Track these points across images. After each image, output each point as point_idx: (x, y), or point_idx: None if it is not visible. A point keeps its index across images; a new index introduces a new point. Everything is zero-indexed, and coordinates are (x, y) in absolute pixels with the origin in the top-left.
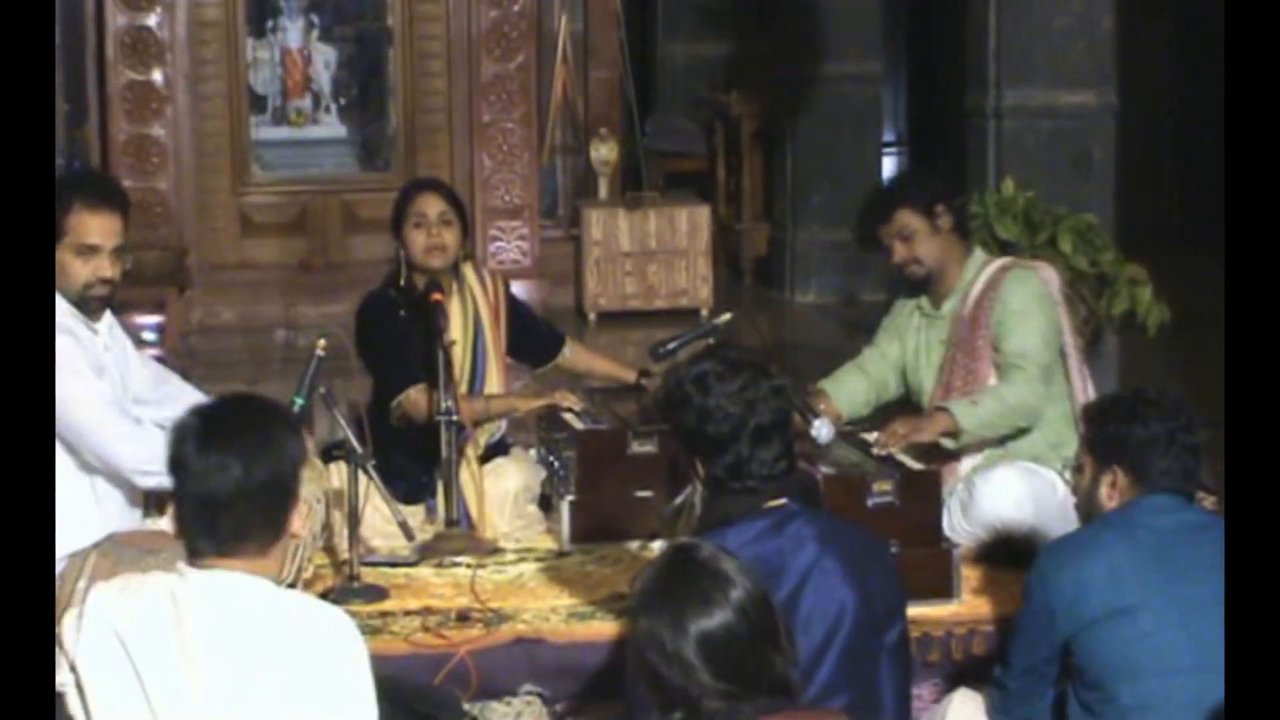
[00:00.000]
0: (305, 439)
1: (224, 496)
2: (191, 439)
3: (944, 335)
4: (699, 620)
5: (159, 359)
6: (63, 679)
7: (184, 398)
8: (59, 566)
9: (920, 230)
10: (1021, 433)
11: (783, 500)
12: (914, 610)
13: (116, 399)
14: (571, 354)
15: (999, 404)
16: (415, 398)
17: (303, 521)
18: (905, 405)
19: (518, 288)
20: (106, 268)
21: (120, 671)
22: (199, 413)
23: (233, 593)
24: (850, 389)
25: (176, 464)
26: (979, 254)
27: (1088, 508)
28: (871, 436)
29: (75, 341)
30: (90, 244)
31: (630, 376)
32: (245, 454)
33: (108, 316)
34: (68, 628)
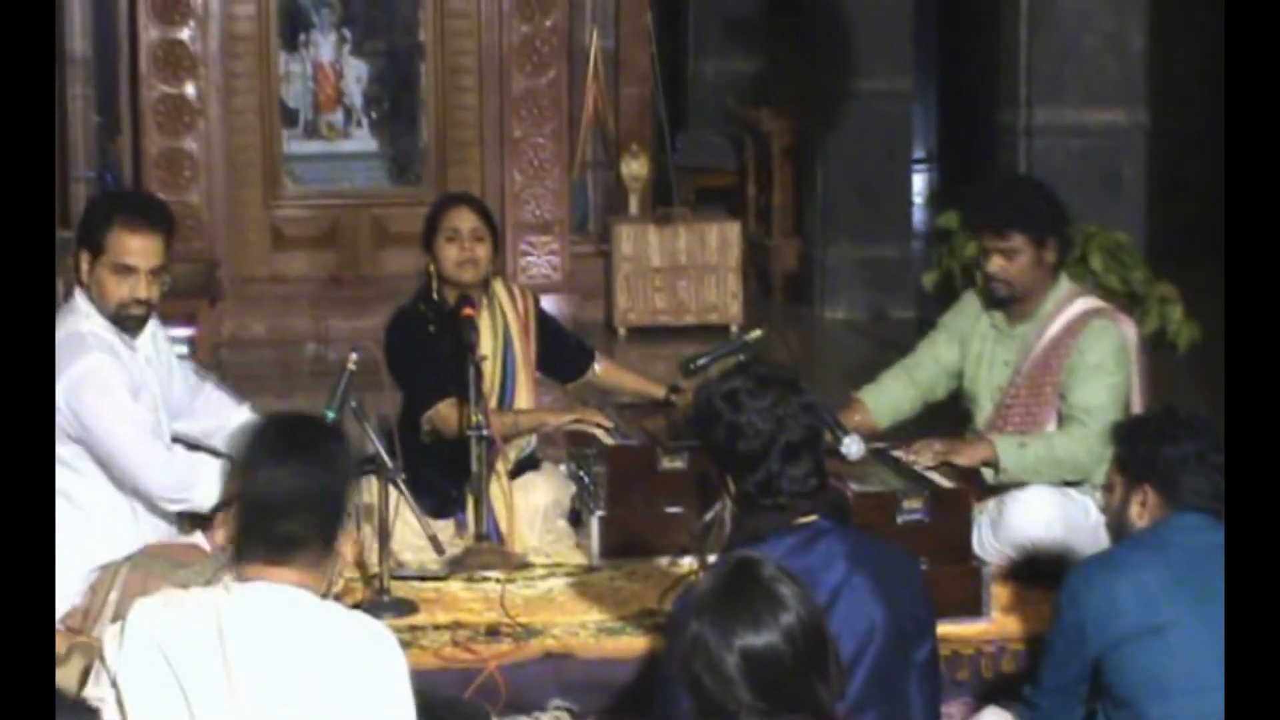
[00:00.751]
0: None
1: (283, 503)
2: (259, 444)
3: (1010, 357)
4: (745, 636)
5: None
6: (101, 694)
7: (220, 408)
8: (91, 578)
9: (1026, 256)
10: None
11: (813, 517)
12: (943, 628)
13: (151, 422)
14: (601, 370)
15: (1047, 453)
16: (445, 412)
17: (349, 543)
18: (949, 411)
19: (548, 302)
20: (142, 288)
21: (163, 686)
22: (269, 420)
23: (275, 607)
24: (894, 396)
25: (241, 467)
26: (1064, 284)
27: (1118, 527)
28: (903, 453)
29: (114, 359)
30: (127, 264)
31: (659, 393)
32: (310, 464)
33: (151, 326)
34: (109, 642)
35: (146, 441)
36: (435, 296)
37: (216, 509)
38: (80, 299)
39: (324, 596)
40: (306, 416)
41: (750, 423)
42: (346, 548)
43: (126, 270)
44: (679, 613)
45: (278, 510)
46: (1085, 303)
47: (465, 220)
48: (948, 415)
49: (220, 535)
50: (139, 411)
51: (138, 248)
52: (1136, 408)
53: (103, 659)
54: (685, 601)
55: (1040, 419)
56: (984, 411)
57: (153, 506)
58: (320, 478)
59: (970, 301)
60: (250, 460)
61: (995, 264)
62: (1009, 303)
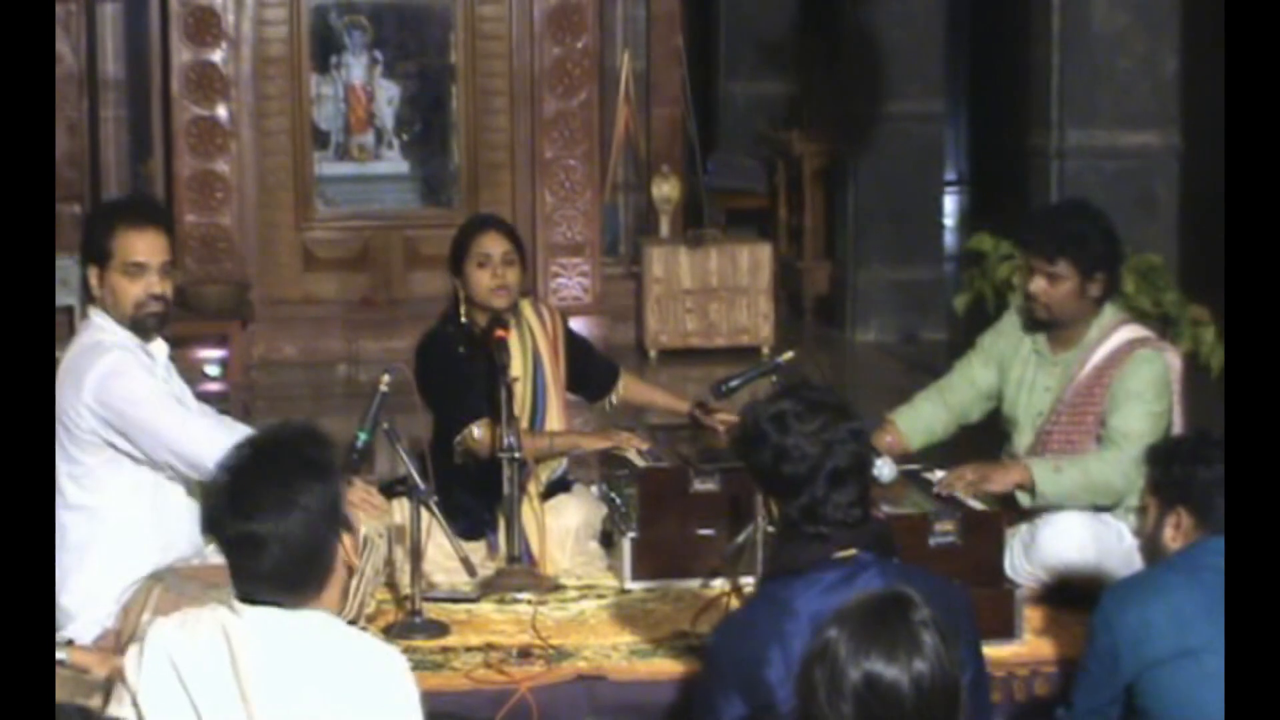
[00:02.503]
0: (342, 475)
1: (256, 548)
2: (222, 495)
3: (1052, 384)
4: (875, 663)
5: (221, 394)
6: (124, 713)
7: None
8: (124, 597)
9: (1070, 285)
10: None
11: (853, 551)
12: None
13: (178, 397)
14: (625, 386)
15: (1083, 477)
16: (478, 434)
17: (355, 553)
18: (982, 433)
19: (578, 325)
20: (156, 284)
21: (178, 704)
22: (225, 467)
23: (284, 629)
24: (928, 419)
25: (212, 522)
26: (1109, 311)
27: (1151, 549)
28: (936, 476)
29: (128, 351)
30: (137, 261)
31: (684, 408)
32: (273, 506)
33: (162, 354)
34: (130, 662)
35: (184, 413)
36: (464, 319)
37: None
38: (95, 315)
39: (354, 618)
40: (266, 441)
41: (797, 446)
42: (353, 558)
43: (138, 268)
44: (718, 634)
45: (257, 554)
46: (1130, 331)
47: (497, 245)
48: (982, 437)
49: None
50: (159, 385)
51: (144, 245)
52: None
53: (123, 678)
54: (724, 631)
55: (1080, 447)
56: (1024, 436)
57: (176, 515)
58: (289, 511)
59: (1010, 324)
60: (218, 512)
61: (1037, 285)
62: (1047, 326)
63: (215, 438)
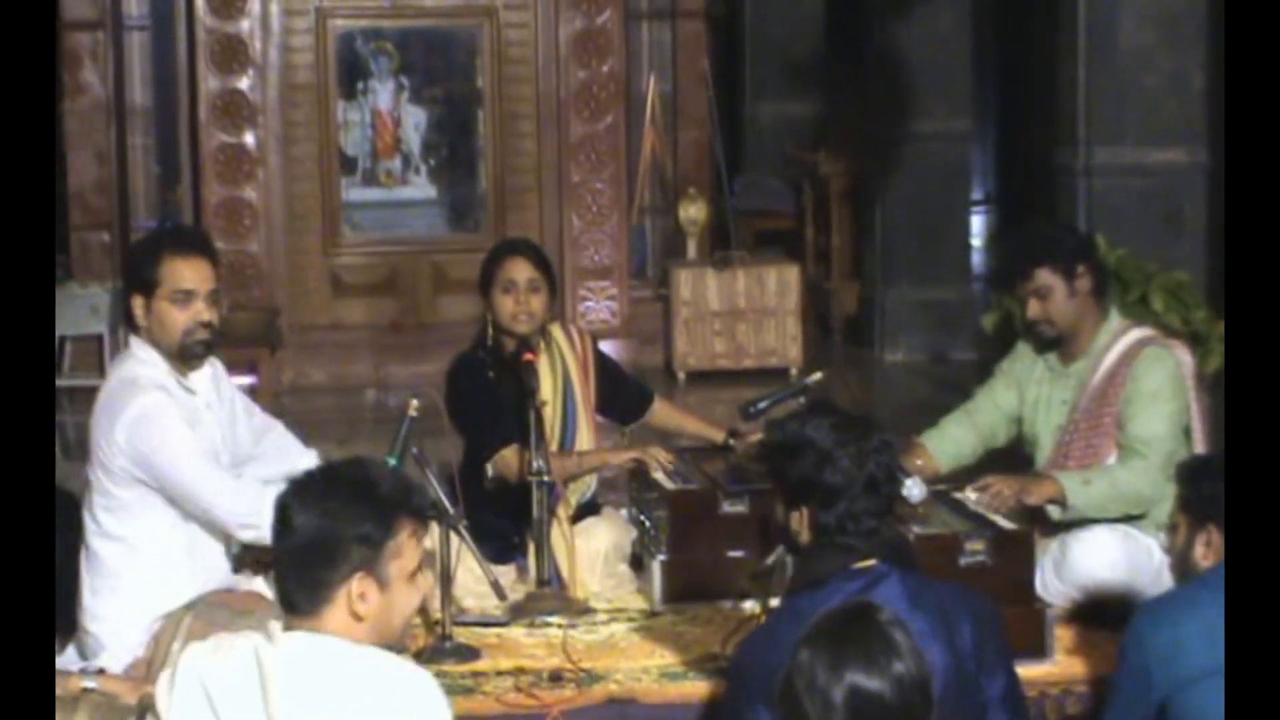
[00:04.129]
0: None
1: (310, 550)
2: (293, 493)
3: (1067, 395)
4: (856, 675)
5: None
6: None
7: (287, 452)
8: (155, 626)
9: (1058, 290)
10: (1132, 516)
11: (872, 561)
12: None
13: (212, 451)
14: (659, 411)
15: (1112, 488)
16: (510, 458)
17: (420, 588)
18: (1009, 456)
19: (607, 347)
20: (204, 311)
21: None
22: (315, 470)
23: (315, 656)
24: (956, 440)
25: (281, 521)
26: (1115, 318)
27: (1182, 567)
28: (966, 494)
29: (168, 395)
30: (185, 289)
31: (718, 436)
32: (335, 508)
33: (208, 372)
34: (161, 688)
35: (214, 469)
36: (492, 343)
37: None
38: (136, 346)
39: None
40: (350, 461)
41: (839, 455)
42: (420, 594)
43: (186, 296)
44: (742, 648)
45: (305, 558)
46: (1139, 333)
47: (521, 272)
48: (1008, 461)
49: (263, 584)
50: (198, 440)
51: (192, 273)
52: (1196, 435)
53: (154, 704)
54: (749, 644)
55: (1101, 452)
56: (1045, 451)
57: (208, 548)
58: (343, 521)
59: (1024, 348)
60: (283, 509)
61: (1032, 309)
62: (1058, 342)
63: (237, 502)
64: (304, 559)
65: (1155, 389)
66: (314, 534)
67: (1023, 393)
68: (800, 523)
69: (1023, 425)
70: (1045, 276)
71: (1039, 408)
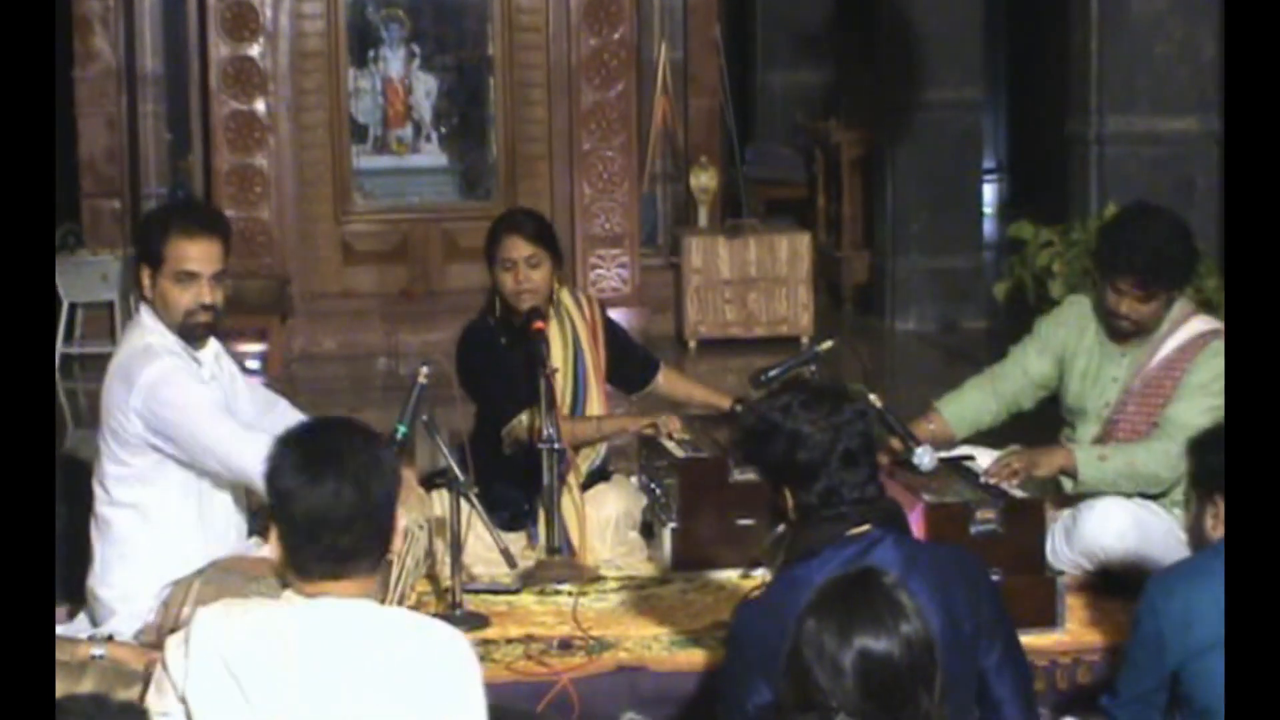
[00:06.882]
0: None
1: (340, 519)
2: (295, 465)
3: (1119, 374)
4: (865, 637)
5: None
6: (165, 706)
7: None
8: (164, 594)
9: (1159, 302)
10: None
11: (866, 527)
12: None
13: (227, 405)
14: (666, 380)
15: (1127, 467)
16: (527, 424)
17: (401, 541)
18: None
19: (618, 315)
20: (206, 294)
21: (230, 699)
22: (296, 438)
23: (339, 619)
24: (976, 408)
25: (280, 490)
26: (1178, 303)
27: (1196, 539)
28: (978, 461)
29: (177, 359)
30: (188, 270)
31: (725, 403)
32: (357, 475)
33: (213, 346)
34: (172, 652)
35: (233, 422)
36: (501, 312)
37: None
38: (145, 314)
39: (385, 602)
40: (330, 422)
41: (809, 433)
42: (399, 545)
43: (188, 277)
44: (740, 619)
45: (335, 527)
46: (1203, 323)
47: (519, 249)
48: (1032, 425)
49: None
50: (211, 394)
51: (197, 254)
52: None
53: (165, 667)
54: (746, 609)
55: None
56: (1090, 427)
57: (219, 516)
58: (374, 484)
59: (1071, 313)
60: (289, 480)
61: (1121, 304)
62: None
63: (261, 450)
64: (380, 518)
65: (1206, 381)
66: (384, 491)
67: (1068, 361)
68: (786, 504)
69: (1067, 395)
70: (1149, 289)
71: (1086, 380)
